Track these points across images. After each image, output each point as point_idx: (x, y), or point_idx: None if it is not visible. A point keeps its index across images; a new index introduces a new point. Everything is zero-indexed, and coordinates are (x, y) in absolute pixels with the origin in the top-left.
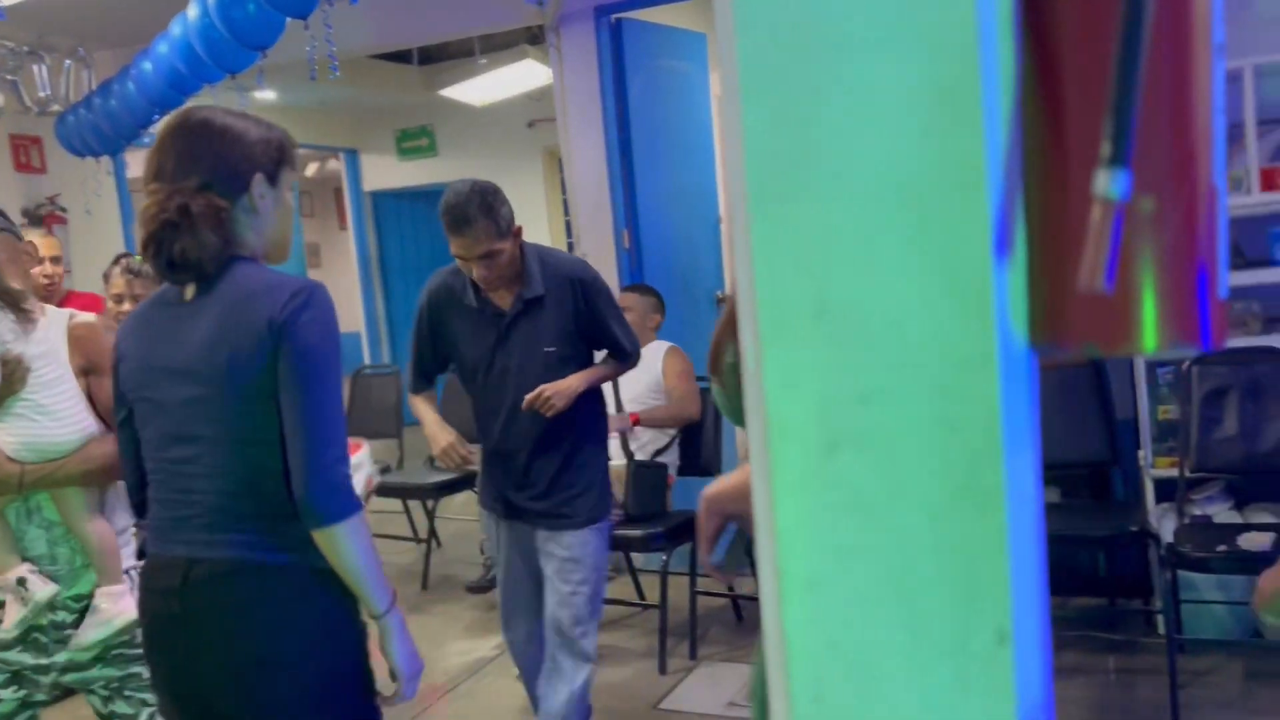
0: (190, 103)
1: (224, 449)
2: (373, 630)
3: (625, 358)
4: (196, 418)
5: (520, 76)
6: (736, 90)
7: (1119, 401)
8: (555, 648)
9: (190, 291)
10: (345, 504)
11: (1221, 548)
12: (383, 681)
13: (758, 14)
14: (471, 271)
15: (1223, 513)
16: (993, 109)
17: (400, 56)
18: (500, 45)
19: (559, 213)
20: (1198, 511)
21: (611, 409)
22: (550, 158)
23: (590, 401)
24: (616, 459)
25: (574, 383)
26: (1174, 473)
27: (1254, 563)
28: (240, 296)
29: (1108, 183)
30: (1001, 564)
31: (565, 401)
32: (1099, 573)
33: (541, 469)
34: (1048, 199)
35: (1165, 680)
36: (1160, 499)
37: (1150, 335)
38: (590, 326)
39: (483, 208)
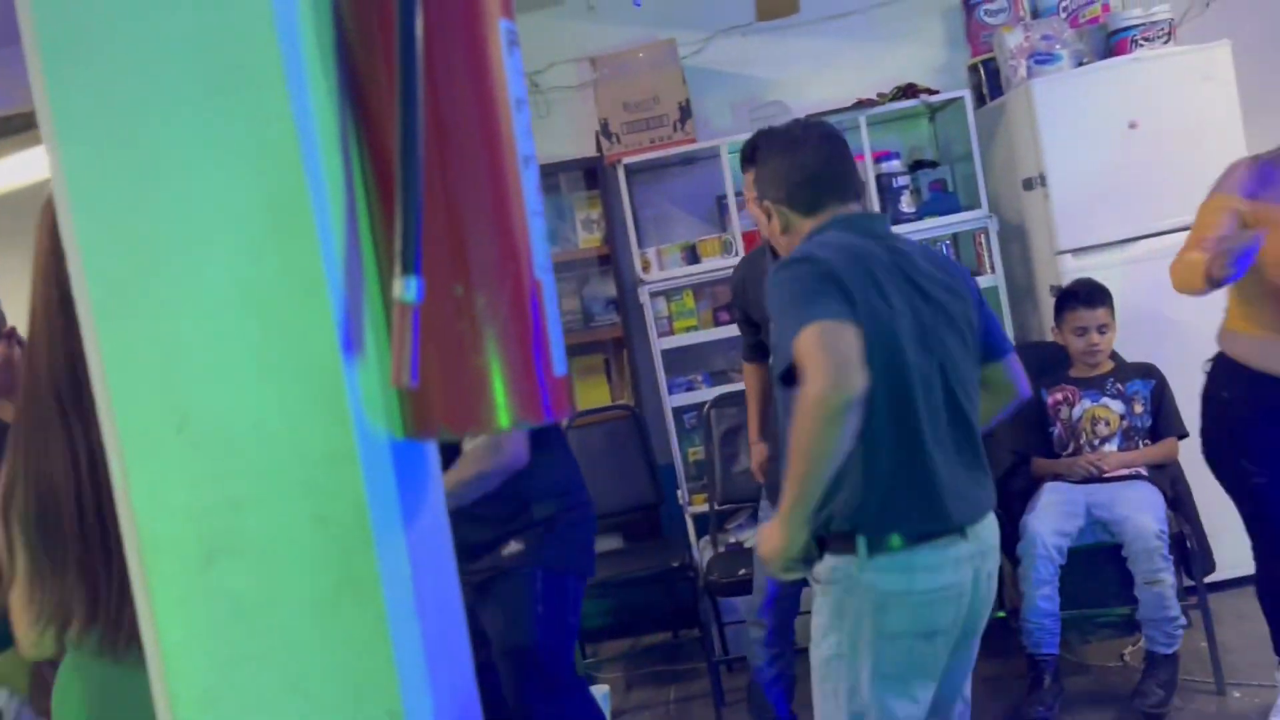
0: None
1: None
2: None
3: None
4: None
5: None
6: (67, 206)
7: (658, 447)
8: None
9: None
10: None
11: (742, 571)
12: None
13: (80, 129)
14: None
15: (751, 537)
16: (325, 219)
17: None
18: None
19: None
20: (731, 540)
21: None
22: None
23: None
24: None
25: None
26: (706, 508)
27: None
28: None
29: (402, 289)
30: (386, 649)
31: None
32: (660, 610)
33: None
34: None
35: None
36: (702, 533)
37: (503, 414)
38: None
39: None
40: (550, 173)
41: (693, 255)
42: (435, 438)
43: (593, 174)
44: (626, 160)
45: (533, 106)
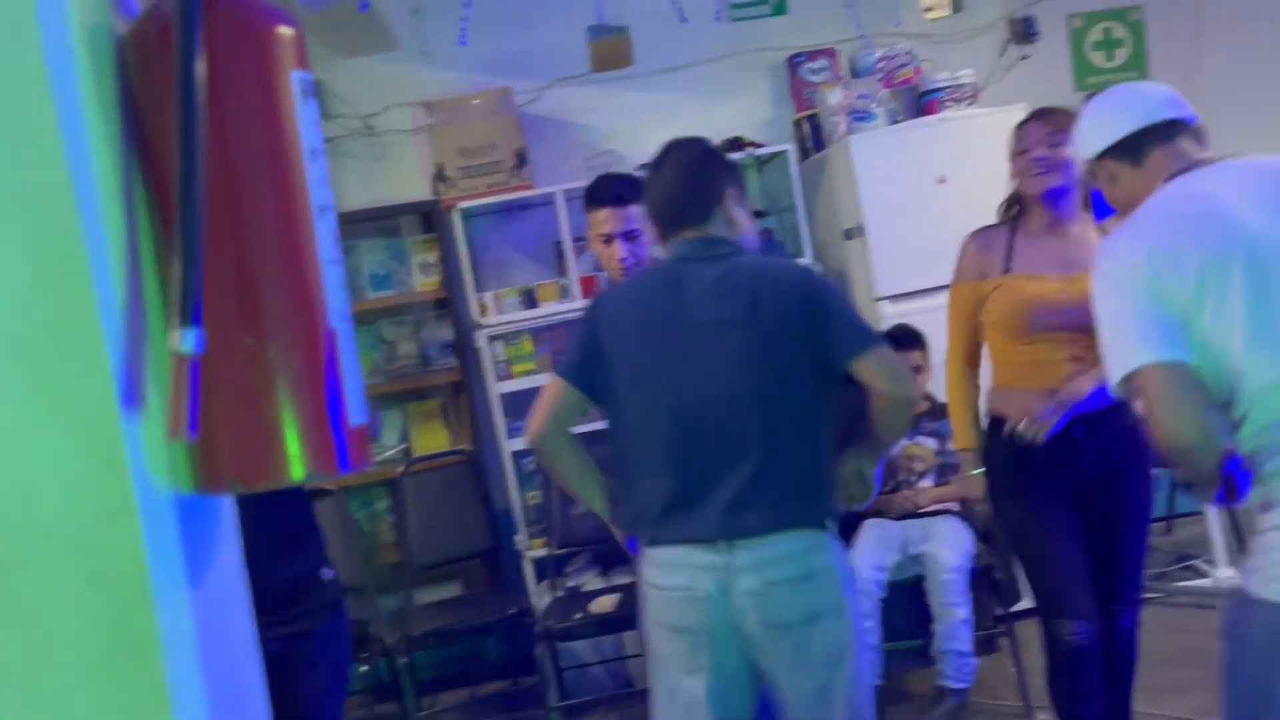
0: None
1: None
2: None
3: None
4: None
5: None
6: None
7: (496, 492)
8: None
9: None
10: None
11: (578, 615)
12: None
13: None
14: None
15: (591, 580)
16: (103, 268)
17: None
18: None
19: None
20: (571, 584)
21: None
22: None
23: None
24: None
25: None
26: (545, 552)
27: (605, 624)
28: None
29: (179, 340)
30: (165, 711)
31: None
32: (499, 657)
33: None
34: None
35: None
36: (542, 578)
37: (296, 466)
38: None
39: None
40: (387, 215)
41: (530, 299)
42: (225, 491)
43: (429, 217)
44: (464, 204)
45: (368, 149)
